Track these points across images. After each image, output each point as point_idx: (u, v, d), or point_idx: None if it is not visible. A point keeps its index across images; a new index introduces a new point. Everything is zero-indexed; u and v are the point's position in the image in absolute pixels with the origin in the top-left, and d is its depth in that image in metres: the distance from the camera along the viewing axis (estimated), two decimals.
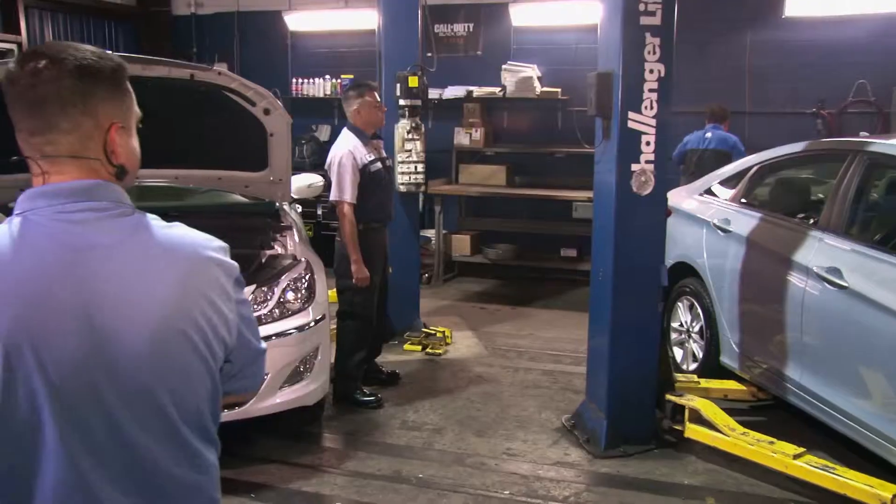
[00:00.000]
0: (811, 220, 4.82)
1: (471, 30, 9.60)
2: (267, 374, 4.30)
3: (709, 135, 7.82)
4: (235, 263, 1.57)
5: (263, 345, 1.70)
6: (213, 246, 1.55)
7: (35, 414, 1.37)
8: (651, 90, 4.45)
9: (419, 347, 6.52)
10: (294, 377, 4.51)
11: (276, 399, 4.42)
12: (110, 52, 1.56)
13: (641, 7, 4.37)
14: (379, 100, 5.55)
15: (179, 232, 1.54)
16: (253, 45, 10.55)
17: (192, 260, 1.51)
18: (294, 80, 10.22)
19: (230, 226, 5.24)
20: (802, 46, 8.48)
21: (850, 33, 8.28)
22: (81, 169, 1.48)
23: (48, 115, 1.44)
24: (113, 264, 1.43)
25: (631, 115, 4.46)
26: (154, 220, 1.52)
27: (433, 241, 8.95)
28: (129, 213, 1.49)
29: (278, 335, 4.43)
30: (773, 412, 5.12)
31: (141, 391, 1.43)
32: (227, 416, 4.06)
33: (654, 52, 4.43)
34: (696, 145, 7.86)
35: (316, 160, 9.56)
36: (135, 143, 1.56)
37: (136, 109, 1.57)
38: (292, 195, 5.65)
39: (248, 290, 4.46)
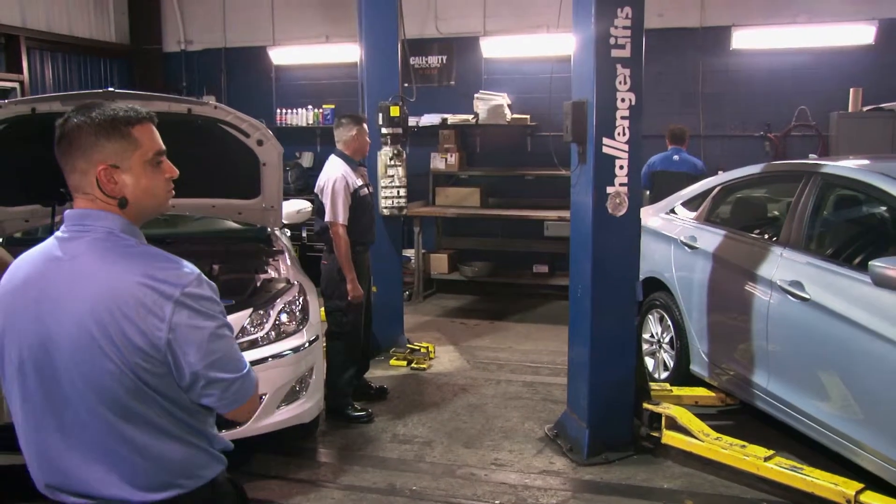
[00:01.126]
0: (768, 236, 4.80)
1: (444, 62, 9.54)
2: (265, 395, 4.17)
3: (676, 157, 7.70)
4: (184, 289, 1.71)
5: (230, 373, 1.78)
6: (153, 272, 1.72)
7: (13, 376, 1.80)
8: (623, 117, 4.40)
9: (404, 363, 6.39)
10: (291, 396, 4.37)
11: (274, 418, 4.28)
12: (135, 106, 1.84)
13: (612, 41, 4.33)
14: (367, 131, 5.48)
15: (133, 253, 1.76)
16: (239, 79, 10.43)
17: (119, 279, 1.71)
18: (278, 111, 10.10)
19: (225, 251, 5.11)
20: (749, 76, 8.59)
21: (791, 64, 8.47)
22: (85, 200, 1.79)
23: (65, 158, 1.78)
24: (62, 273, 1.75)
25: (605, 140, 4.40)
26: (121, 243, 1.76)
27: (413, 261, 8.84)
28: (101, 236, 1.76)
29: (274, 356, 4.29)
30: (741, 416, 5.07)
31: (68, 372, 1.73)
32: (230, 434, 3.97)
33: (626, 82, 4.38)
34: (664, 167, 7.70)
35: (301, 185, 9.44)
36: (140, 177, 1.79)
37: (154, 147, 1.82)
38: (283, 220, 5.51)
39: (245, 313, 4.32)
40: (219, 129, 4.54)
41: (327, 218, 5.16)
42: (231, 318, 4.04)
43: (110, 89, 4.14)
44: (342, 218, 5.12)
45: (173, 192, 1.88)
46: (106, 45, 10.33)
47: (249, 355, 4.13)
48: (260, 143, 4.68)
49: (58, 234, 1.81)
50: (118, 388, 1.71)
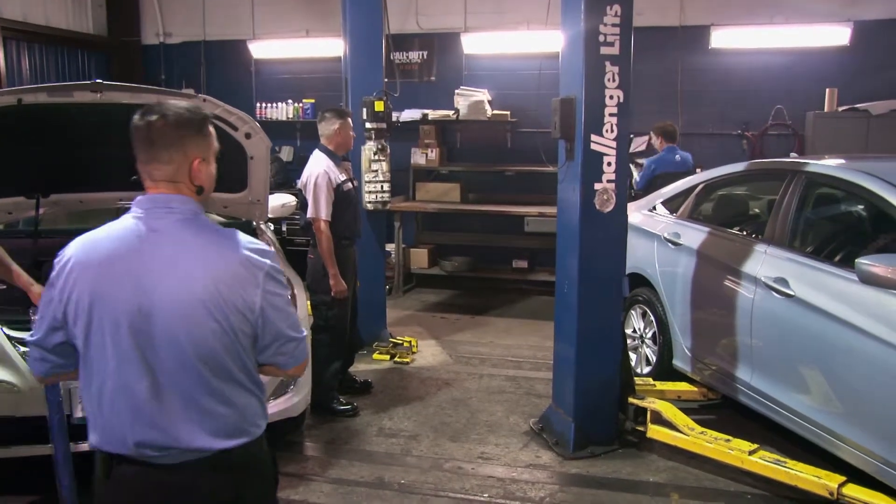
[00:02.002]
0: (749, 233, 4.86)
1: (425, 57, 9.50)
2: None
3: (678, 157, 7.47)
4: (269, 263, 2.03)
5: (299, 333, 2.11)
6: (247, 249, 2.03)
7: (104, 344, 1.96)
8: (611, 114, 4.41)
9: (387, 357, 6.37)
10: (280, 390, 4.33)
11: None
12: (199, 105, 2.17)
13: (601, 38, 4.34)
14: (352, 126, 5.43)
15: (224, 232, 2.06)
16: (219, 72, 10.31)
17: (221, 252, 2.00)
18: (258, 105, 10.00)
19: None
20: (727, 75, 8.65)
21: (768, 64, 8.54)
22: (169, 187, 2.03)
23: (156, 151, 2.02)
24: (162, 247, 1.97)
25: (593, 137, 4.41)
26: (207, 224, 2.05)
27: (393, 255, 8.81)
28: (188, 217, 2.02)
29: None
30: (722, 410, 5.12)
31: (169, 335, 1.94)
32: None
33: (614, 80, 4.39)
34: (665, 169, 7.30)
35: (280, 179, 9.34)
36: (212, 170, 2.12)
37: (216, 145, 2.14)
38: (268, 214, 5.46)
39: None
40: None
41: (309, 214, 5.13)
42: None
43: (98, 80, 4.05)
44: (325, 213, 5.09)
45: None
46: (84, 37, 10.16)
47: None
48: (248, 136, 4.62)
49: (135, 214, 2.02)
50: (218, 346, 1.96)
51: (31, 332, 2.10)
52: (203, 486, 2.00)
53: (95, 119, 4.17)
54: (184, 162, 2.03)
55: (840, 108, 7.93)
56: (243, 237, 2.06)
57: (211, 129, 2.11)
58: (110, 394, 1.97)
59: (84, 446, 3.75)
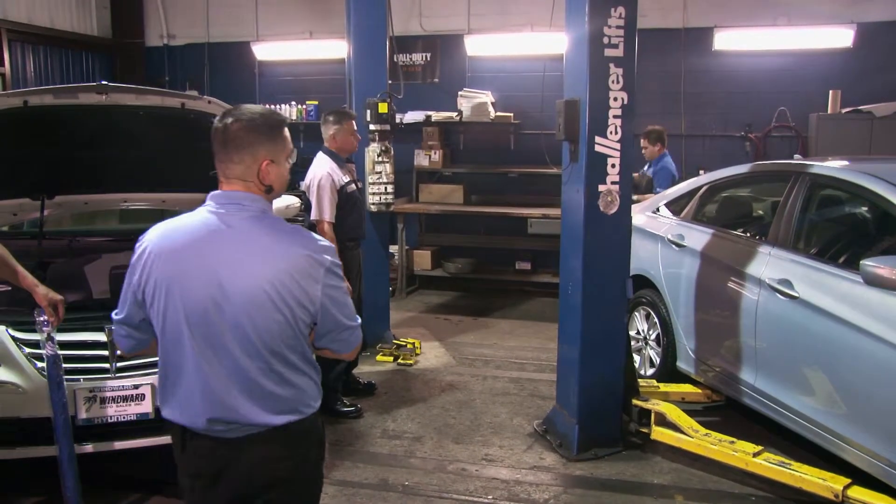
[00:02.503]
0: (753, 235, 4.86)
1: (429, 59, 9.51)
2: None
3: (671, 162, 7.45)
4: (330, 259, 2.22)
5: (353, 322, 2.30)
6: (310, 246, 2.21)
7: (179, 328, 2.17)
8: (615, 116, 4.41)
9: (391, 358, 6.37)
10: None
11: None
12: (273, 109, 2.32)
13: (606, 40, 4.33)
14: (355, 128, 5.43)
15: (290, 229, 2.24)
16: (222, 74, 10.33)
17: (286, 249, 2.18)
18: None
19: None
20: (730, 77, 8.66)
21: (771, 66, 8.54)
22: (241, 184, 2.21)
23: (229, 152, 2.19)
24: (235, 241, 2.17)
25: (597, 139, 4.40)
26: (276, 221, 2.24)
27: (396, 257, 8.81)
28: (257, 214, 2.20)
29: None
30: (726, 412, 5.11)
31: (236, 323, 2.14)
32: None
33: (618, 81, 4.39)
34: (677, 174, 7.36)
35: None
36: (283, 171, 2.26)
37: (290, 147, 2.29)
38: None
39: None
40: (211, 125, 4.48)
41: (313, 216, 5.14)
42: None
43: (103, 82, 4.06)
44: (328, 215, 5.10)
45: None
46: (87, 39, 10.20)
47: None
48: None
49: (210, 209, 2.21)
50: (280, 335, 2.17)
51: (116, 311, 2.35)
52: (264, 457, 2.22)
53: (100, 121, 4.19)
54: (253, 163, 2.19)
55: (843, 110, 7.93)
56: (306, 234, 2.26)
57: (285, 132, 2.27)
58: (187, 375, 2.19)
59: (88, 448, 3.78)
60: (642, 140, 7.27)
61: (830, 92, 7.97)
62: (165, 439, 3.87)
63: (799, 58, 8.40)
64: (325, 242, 2.25)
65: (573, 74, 4.54)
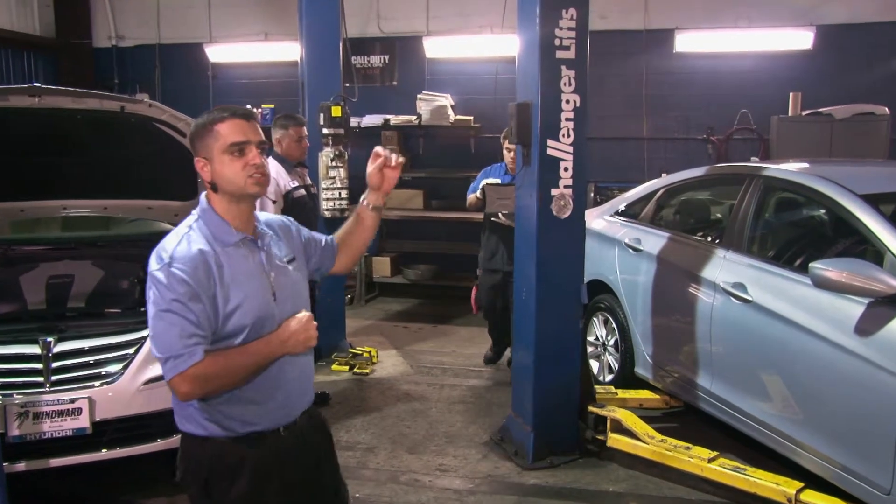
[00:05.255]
0: (711, 238, 4.93)
1: (387, 61, 9.54)
2: None
3: None
4: (148, 269, 2.21)
5: (158, 353, 2.20)
6: (157, 249, 2.25)
7: None
8: (568, 119, 4.46)
9: (346, 368, 6.37)
10: None
11: None
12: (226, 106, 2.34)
13: (557, 42, 4.38)
14: (304, 135, 5.44)
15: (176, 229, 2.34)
16: (174, 76, 10.25)
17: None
18: None
19: None
20: (692, 78, 8.77)
21: (732, 68, 8.66)
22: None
23: None
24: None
25: (550, 142, 4.45)
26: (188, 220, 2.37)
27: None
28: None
29: None
30: (685, 418, 5.17)
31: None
32: (163, 444, 3.90)
33: (570, 84, 4.44)
34: None
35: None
36: (221, 166, 2.29)
37: (227, 140, 2.27)
38: None
39: None
40: (154, 128, 4.48)
41: None
42: None
43: (36, 84, 4.03)
44: None
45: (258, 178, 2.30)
46: (29, 38, 9.99)
47: None
48: None
49: None
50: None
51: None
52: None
53: (35, 125, 4.15)
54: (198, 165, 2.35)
55: (804, 113, 8.05)
56: (168, 239, 2.29)
57: (216, 127, 2.29)
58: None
59: (21, 466, 3.73)
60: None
61: (791, 94, 8.10)
62: (103, 455, 3.88)
63: (760, 60, 8.55)
64: (168, 253, 2.21)
65: (525, 77, 4.59)
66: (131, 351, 3.96)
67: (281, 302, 2.35)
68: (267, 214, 2.57)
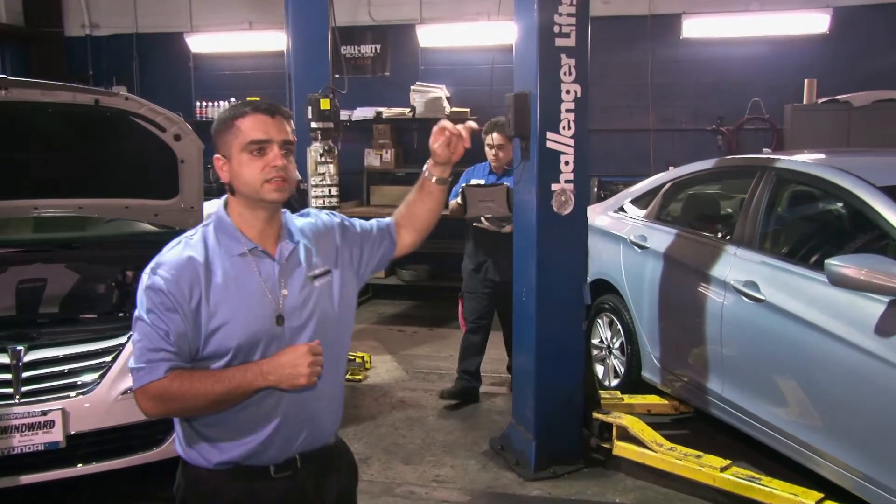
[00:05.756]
0: (721, 234, 4.93)
1: (378, 51, 9.54)
2: None
3: None
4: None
5: (131, 363, 2.11)
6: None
7: None
8: (568, 110, 4.45)
9: None
10: None
11: None
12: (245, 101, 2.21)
13: (556, 29, 4.38)
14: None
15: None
16: (153, 68, 10.26)
17: None
18: (198, 103, 9.94)
19: (140, 256, 5.00)
20: (700, 67, 8.77)
21: (743, 54, 8.66)
22: None
23: None
24: None
25: (549, 135, 4.44)
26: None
27: None
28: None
29: None
30: (695, 424, 5.18)
31: None
32: (144, 458, 3.90)
33: (570, 73, 4.44)
34: None
35: (222, 185, 9.27)
36: (238, 165, 2.16)
37: (246, 137, 2.14)
38: None
39: None
40: (131, 123, 4.47)
41: None
42: None
43: (3, 76, 4.02)
44: None
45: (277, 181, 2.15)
46: None
47: None
48: (177, 138, 4.62)
49: None
50: None
51: None
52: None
53: (3, 119, 4.14)
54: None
55: (820, 100, 8.07)
56: (170, 244, 2.21)
57: (237, 123, 2.16)
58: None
59: None
60: (499, 135, 5.67)
61: (806, 81, 8.11)
62: (79, 470, 3.87)
63: (772, 45, 8.54)
64: (156, 259, 2.14)
65: (523, 66, 4.59)
66: (108, 359, 3.95)
67: (292, 326, 2.18)
68: (305, 219, 2.38)
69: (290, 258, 2.23)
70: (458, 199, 5.67)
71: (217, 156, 2.20)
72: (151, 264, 2.11)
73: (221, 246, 2.16)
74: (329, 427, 2.33)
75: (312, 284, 2.24)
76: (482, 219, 5.57)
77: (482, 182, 5.76)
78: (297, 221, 2.33)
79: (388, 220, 2.54)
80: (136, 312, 2.10)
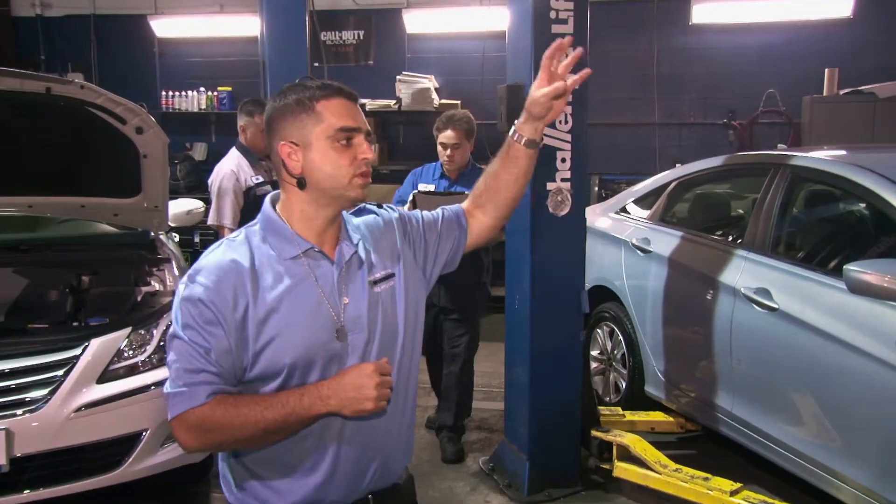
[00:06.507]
0: (732, 238, 4.93)
1: (361, 38, 9.55)
2: (146, 431, 4.10)
3: None
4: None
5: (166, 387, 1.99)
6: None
7: None
8: (566, 103, 4.44)
9: None
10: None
11: (157, 458, 4.15)
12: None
13: (553, 14, 4.38)
14: None
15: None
16: (114, 53, 10.19)
17: None
18: (164, 93, 9.95)
19: (97, 259, 5.01)
20: (711, 55, 8.81)
21: (758, 42, 8.69)
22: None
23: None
24: None
25: (545, 130, 4.43)
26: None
27: None
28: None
29: (158, 384, 4.19)
30: (704, 444, 5.19)
31: None
32: (100, 482, 3.88)
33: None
34: None
35: (192, 182, 9.32)
36: (319, 155, 2.00)
37: (334, 123, 1.99)
38: (169, 223, 5.44)
39: (122, 333, 4.22)
40: (88, 115, 4.46)
41: (210, 219, 5.21)
42: (105, 340, 4.04)
43: None
44: (228, 220, 5.12)
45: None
46: None
47: (128, 383, 4.07)
48: (139, 130, 4.61)
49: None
50: None
51: None
52: None
53: None
54: (278, 150, 2.05)
55: (841, 91, 8.08)
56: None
57: (318, 105, 2.00)
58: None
59: None
60: (454, 132, 5.23)
61: (826, 71, 8.13)
62: (25, 497, 3.84)
63: (790, 32, 8.57)
64: (191, 270, 2.00)
65: (516, 55, 4.60)
66: (60, 373, 3.92)
67: (355, 341, 2.03)
68: (361, 216, 2.23)
69: (351, 261, 2.09)
70: (409, 208, 5.01)
71: (284, 142, 2.02)
72: (189, 272, 1.97)
73: (272, 248, 2.02)
74: (402, 460, 2.21)
75: (374, 291, 2.10)
76: None
77: (432, 188, 5.28)
78: (353, 219, 2.19)
79: (456, 206, 2.38)
80: (171, 329, 1.95)
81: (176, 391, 1.90)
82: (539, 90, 2.25)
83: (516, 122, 2.30)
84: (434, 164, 5.42)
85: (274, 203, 2.10)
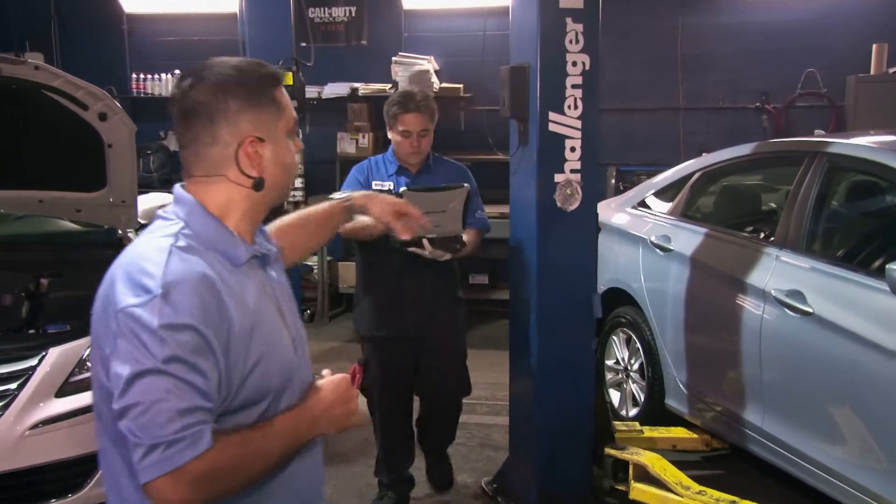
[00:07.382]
0: (762, 235, 4.93)
1: (353, 14, 9.51)
2: None
3: None
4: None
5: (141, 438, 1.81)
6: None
7: None
8: (574, 86, 4.44)
9: None
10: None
11: None
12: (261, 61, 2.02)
13: None
14: None
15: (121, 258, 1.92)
16: (77, 32, 10.15)
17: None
18: (134, 76, 9.93)
19: (58, 261, 5.01)
20: (742, 31, 8.77)
21: (796, 15, 8.62)
22: (203, 182, 1.95)
23: (195, 129, 1.92)
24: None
25: (552, 116, 4.44)
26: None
27: (315, 271, 8.81)
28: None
29: None
30: (731, 463, 5.19)
31: None
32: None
33: (577, 41, 4.42)
34: None
35: (166, 174, 9.34)
36: (281, 152, 1.97)
37: (291, 115, 1.99)
38: (139, 220, 5.44)
39: (83, 342, 4.22)
40: (46, 99, 4.47)
41: None
42: (65, 349, 4.06)
43: None
44: None
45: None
46: None
47: (90, 397, 4.04)
48: (102, 117, 4.62)
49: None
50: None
51: None
52: None
53: None
54: (231, 142, 1.90)
55: (891, 70, 8.02)
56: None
57: (280, 93, 1.97)
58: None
59: None
60: (420, 116, 4.80)
61: (874, 46, 8.05)
62: None
63: (832, 3, 8.50)
64: (137, 274, 1.78)
65: (520, 33, 4.59)
66: (13, 386, 3.92)
67: (300, 353, 2.03)
68: None
69: (278, 262, 2.12)
70: None
71: (251, 138, 1.92)
72: (155, 291, 1.72)
73: (221, 255, 1.89)
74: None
75: (285, 285, 2.11)
76: (423, 241, 4.22)
77: (390, 186, 4.71)
78: None
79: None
80: (141, 364, 1.69)
81: (170, 440, 1.67)
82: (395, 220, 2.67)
83: (351, 196, 2.64)
84: (379, 157, 4.99)
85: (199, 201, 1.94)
